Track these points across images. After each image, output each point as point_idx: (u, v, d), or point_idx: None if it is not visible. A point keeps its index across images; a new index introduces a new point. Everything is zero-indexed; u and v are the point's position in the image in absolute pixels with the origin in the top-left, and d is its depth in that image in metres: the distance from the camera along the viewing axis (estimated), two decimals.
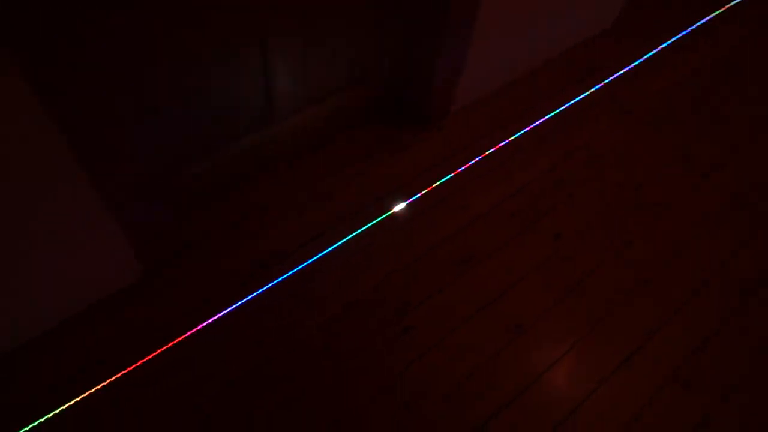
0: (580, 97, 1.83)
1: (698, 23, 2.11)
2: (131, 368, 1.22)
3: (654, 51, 2.00)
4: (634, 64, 1.95)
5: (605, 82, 1.89)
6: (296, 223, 1.48)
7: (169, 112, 1.20)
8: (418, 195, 1.55)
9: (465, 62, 1.54)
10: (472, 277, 1.43)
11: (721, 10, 2.17)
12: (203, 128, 1.31)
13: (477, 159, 1.64)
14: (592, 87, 1.86)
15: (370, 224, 1.48)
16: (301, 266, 1.40)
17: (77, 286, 1.25)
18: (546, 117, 1.77)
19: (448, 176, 1.59)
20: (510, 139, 1.70)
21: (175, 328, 1.29)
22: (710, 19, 2.15)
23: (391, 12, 1.42)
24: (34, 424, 1.14)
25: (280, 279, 1.37)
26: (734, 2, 2.22)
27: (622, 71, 1.92)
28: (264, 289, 1.36)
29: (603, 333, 1.38)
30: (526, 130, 1.73)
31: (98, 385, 1.20)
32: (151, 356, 1.24)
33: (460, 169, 1.60)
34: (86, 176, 1.02)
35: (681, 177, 1.69)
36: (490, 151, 1.66)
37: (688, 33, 2.08)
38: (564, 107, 1.80)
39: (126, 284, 1.32)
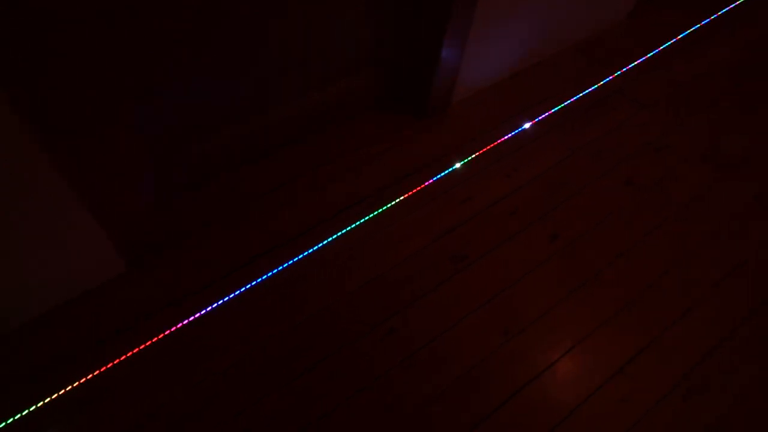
0: (591, 89, 1.75)
1: (717, 14, 2.01)
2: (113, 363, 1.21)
3: (669, 42, 1.90)
4: (649, 55, 1.86)
5: (617, 74, 1.80)
6: (287, 215, 1.44)
7: (163, 94, 1.17)
8: (415, 190, 1.50)
9: (464, 51, 1.47)
10: (467, 275, 1.38)
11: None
12: (194, 113, 1.28)
13: (477, 153, 1.58)
14: (605, 79, 1.78)
15: (363, 220, 1.44)
16: (289, 262, 1.36)
17: (62, 277, 1.24)
18: (553, 110, 1.69)
19: (447, 171, 1.54)
20: (513, 132, 1.64)
21: (155, 322, 1.27)
22: (729, 10, 2.04)
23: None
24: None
25: (266, 276, 1.34)
26: None
27: (636, 62, 1.84)
28: (247, 287, 1.33)
29: (603, 336, 1.32)
30: (530, 123, 1.66)
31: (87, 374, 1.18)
32: (133, 352, 1.22)
33: (457, 165, 1.55)
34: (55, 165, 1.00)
35: (698, 175, 1.61)
36: (492, 145, 1.60)
37: (707, 23, 1.98)
38: (573, 99, 1.72)
39: (110, 277, 1.31)
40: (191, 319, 1.25)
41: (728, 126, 1.72)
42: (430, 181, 1.50)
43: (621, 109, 1.73)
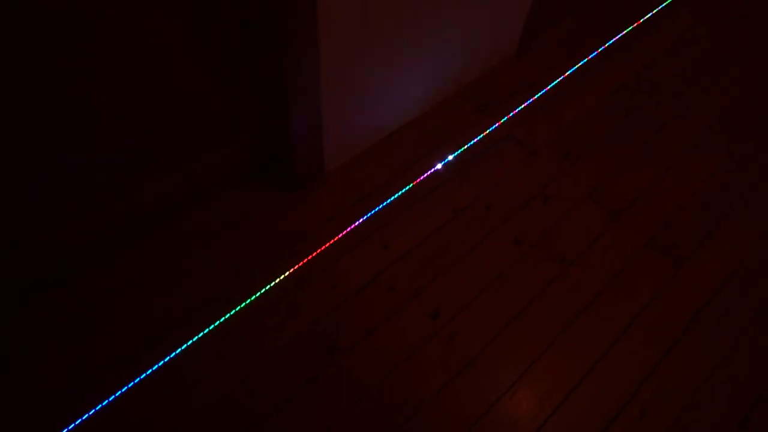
0: (477, 138, 1.66)
1: (600, 48, 1.95)
2: None
3: (555, 81, 1.83)
4: (536, 96, 1.78)
5: (504, 119, 1.72)
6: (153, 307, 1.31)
7: None
8: (281, 277, 1.38)
9: (320, 119, 1.37)
10: (340, 368, 1.26)
11: (618, 36, 2.01)
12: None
13: (351, 227, 1.47)
14: (491, 126, 1.70)
15: (231, 313, 1.31)
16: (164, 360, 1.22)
17: None
18: (435, 167, 1.60)
19: (313, 253, 1.42)
20: (393, 197, 1.53)
21: None
22: (613, 42, 1.99)
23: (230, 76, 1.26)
24: None
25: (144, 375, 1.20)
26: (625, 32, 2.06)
27: (524, 105, 1.76)
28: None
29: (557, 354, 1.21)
30: (411, 184, 1.56)
31: None
32: None
33: (326, 244, 1.44)
34: None
35: (591, 221, 1.52)
36: (363, 216, 1.49)
37: (593, 57, 1.92)
38: (458, 153, 1.63)
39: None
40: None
41: (616, 167, 1.65)
42: (298, 265, 1.39)
43: (509, 157, 1.64)
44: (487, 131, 1.68)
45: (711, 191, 1.61)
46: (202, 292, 1.34)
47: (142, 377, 1.20)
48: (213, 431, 1.16)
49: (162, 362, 1.22)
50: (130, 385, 1.19)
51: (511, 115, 1.72)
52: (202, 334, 1.27)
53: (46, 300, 1.30)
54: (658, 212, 1.55)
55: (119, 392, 1.18)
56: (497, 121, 1.70)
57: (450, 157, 1.62)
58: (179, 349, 1.24)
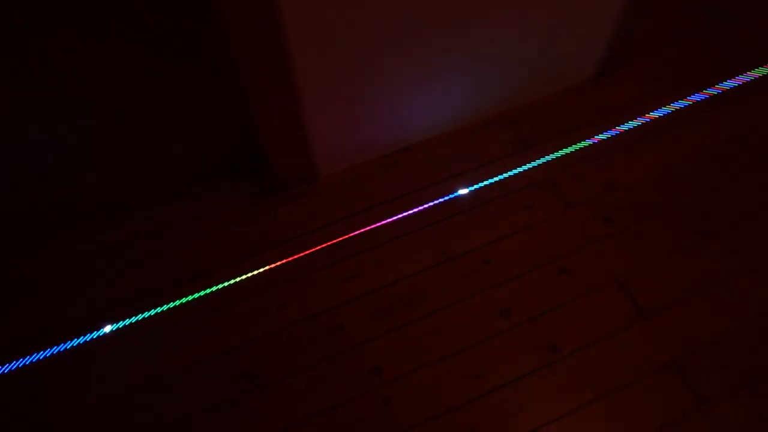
0: (503, 176, 1.40)
1: (698, 94, 1.52)
2: None
3: (632, 123, 1.47)
4: (598, 138, 1.45)
5: (547, 158, 1.42)
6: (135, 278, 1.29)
7: None
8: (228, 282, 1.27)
9: (300, 121, 1.20)
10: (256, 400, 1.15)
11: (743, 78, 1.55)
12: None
13: (323, 245, 1.31)
14: (529, 163, 1.42)
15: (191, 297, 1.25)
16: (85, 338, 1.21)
17: None
18: (444, 198, 1.37)
19: (265, 267, 1.28)
20: (382, 222, 1.34)
21: None
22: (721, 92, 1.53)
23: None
24: None
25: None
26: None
27: (576, 146, 1.44)
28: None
29: None
30: (409, 212, 1.35)
31: None
32: None
33: (286, 258, 1.29)
34: None
35: (608, 311, 1.23)
36: (342, 237, 1.32)
37: (690, 103, 1.51)
38: (476, 186, 1.38)
39: None
40: None
41: (664, 254, 1.30)
42: (247, 275, 1.27)
43: (538, 205, 1.36)
44: (523, 168, 1.41)
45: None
46: (137, 284, 1.28)
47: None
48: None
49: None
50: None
51: (558, 155, 1.42)
52: (116, 327, 1.22)
53: None
54: (691, 331, 1.20)
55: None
56: (539, 159, 1.42)
57: (464, 191, 1.38)
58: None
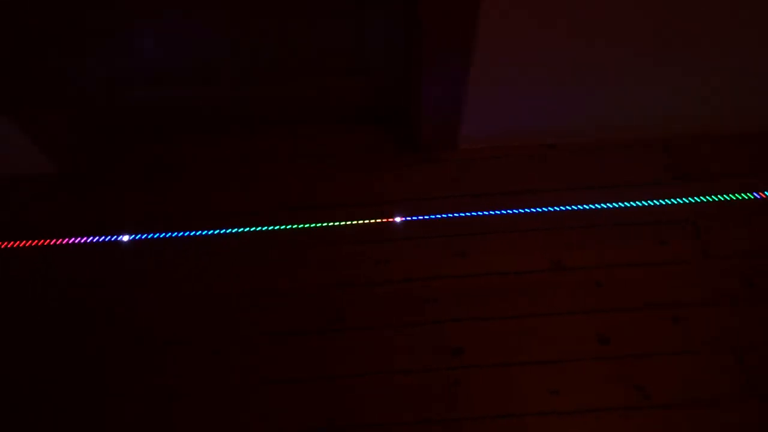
0: (642, 203, 1.30)
1: None
2: None
3: None
4: (762, 195, 1.29)
5: (695, 199, 1.30)
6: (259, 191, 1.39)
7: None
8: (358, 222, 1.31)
9: (463, 87, 1.18)
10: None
11: None
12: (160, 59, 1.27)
13: (451, 214, 1.30)
14: (674, 197, 1.30)
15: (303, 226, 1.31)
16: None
17: None
18: (566, 207, 1.30)
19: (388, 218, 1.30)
20: (500, 211, 1.31)
21: None
22: None
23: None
24: None
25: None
26: None
27: (735, 192, 1.30)
28: None
29: None
30: (530, 210, 1.30)
31: None
32: None
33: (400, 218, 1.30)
34: None
35: (720, 379, 1.12)
36: (464, 214, 1.30)
37: None
38: (608, 206, 1.30)
39: None
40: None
41: None
42: (357, 221, 1.30)
43: (672, 246, 1.26)
44: (669, 201, 1.30)
45: None
46: (275, 196, 1.36)
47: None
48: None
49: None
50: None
51: (711, 198, 1.30)
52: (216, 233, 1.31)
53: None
54: None
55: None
56: (689, 196, 1.30)
57: (597, 205, 1.30)
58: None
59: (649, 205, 1.30)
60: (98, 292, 1.26)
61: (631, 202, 1.30)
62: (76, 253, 1.30)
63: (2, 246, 1.32)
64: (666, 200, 1.30)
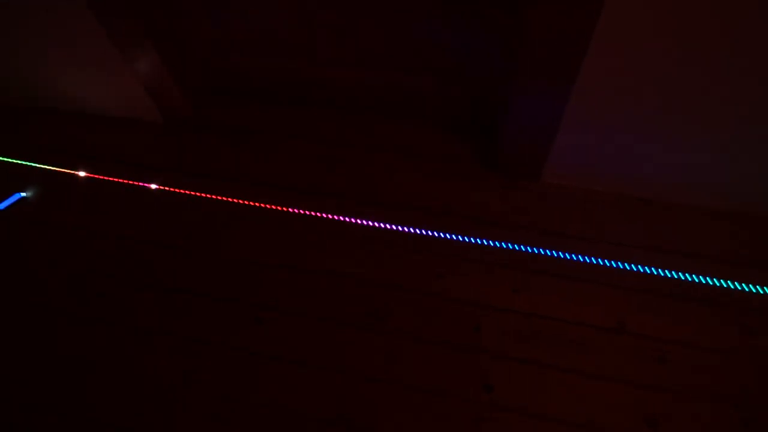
0: (736, 284, 1.15)
1: None
2: None
3: None
4: None
5: (759, 290, 1.13)
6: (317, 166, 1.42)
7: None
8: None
9: (558, 116, 1.12)
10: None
11: None
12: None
13: (523, 246, 1.24)
14: (741, 282, 1.15)
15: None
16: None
17: None
18: (653, 269, 1.19)
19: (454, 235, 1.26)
20: (565, 255, 1.22)
21: None
22: None
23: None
24: None
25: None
26: None
27: None
28: None
29: None
30: (606, 262, 1.20)
31: None
32: None
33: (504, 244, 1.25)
34: None
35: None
36: (530, 249, 1.23)
37: None
38: (696, 278, 1.17)
39: None
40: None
41: None
42: (423, 231, 1.27)
43: (760, 337, 1.11)
44: (730, 285, 1.15)
45: None
46: (348, 185, 1.38)
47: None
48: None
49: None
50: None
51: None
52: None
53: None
54: None
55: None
56: (753, 284, 1.14)
57: (682, 274, 1.18)
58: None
59: (740, 289, 1.16)
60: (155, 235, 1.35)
61: (723, 281, 1.17)
62: (148, 196, 1.41)
63: (101, 178, 1.45)
64: (758, 286, 1.16)
